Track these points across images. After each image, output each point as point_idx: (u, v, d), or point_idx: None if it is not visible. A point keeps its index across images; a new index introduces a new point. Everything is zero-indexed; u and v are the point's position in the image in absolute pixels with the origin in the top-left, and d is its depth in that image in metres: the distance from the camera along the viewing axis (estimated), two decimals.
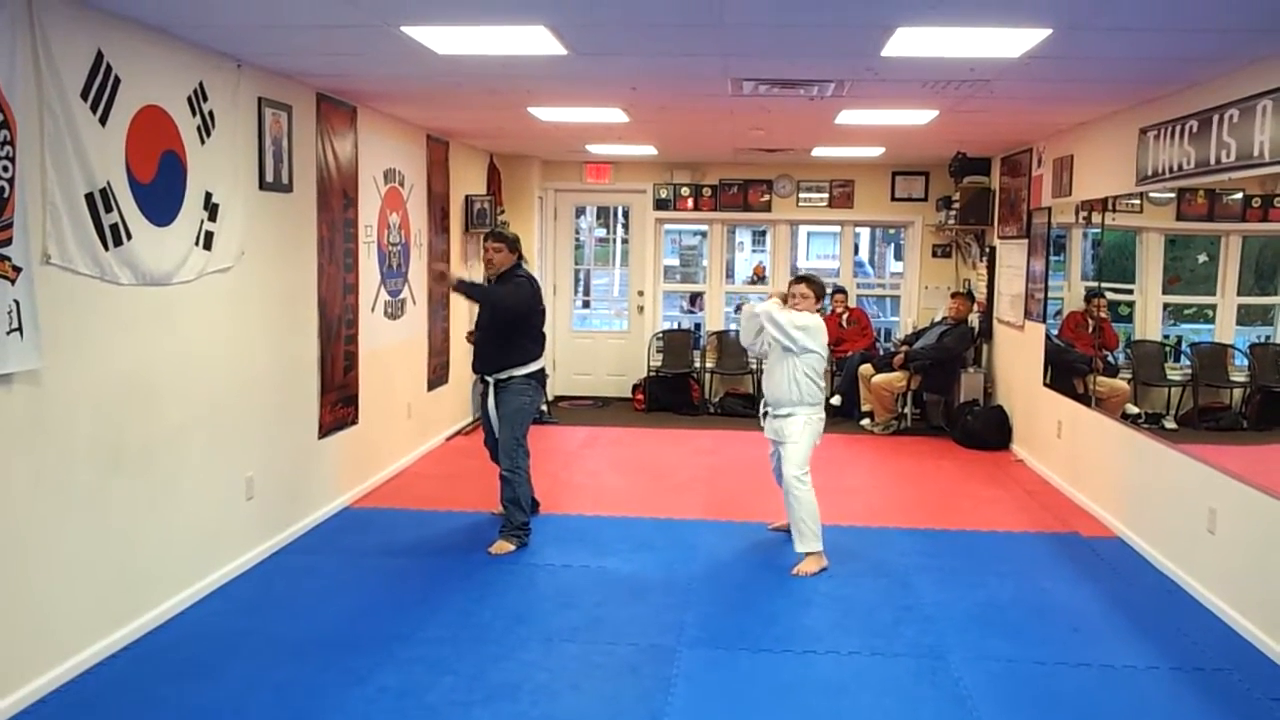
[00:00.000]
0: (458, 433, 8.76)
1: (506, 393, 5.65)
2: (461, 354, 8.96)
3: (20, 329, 3.51)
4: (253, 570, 5.18)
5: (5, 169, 3.43)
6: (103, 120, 3.98)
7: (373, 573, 5.20)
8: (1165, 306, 6.34)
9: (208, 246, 4.76)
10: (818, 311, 5.56)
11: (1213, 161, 4.90)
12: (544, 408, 5.64)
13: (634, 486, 7.20)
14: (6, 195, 3.44)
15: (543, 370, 5.88)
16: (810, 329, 5.39)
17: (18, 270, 3.50)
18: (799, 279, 5.61)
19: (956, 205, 9.55)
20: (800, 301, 5.46)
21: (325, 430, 6.10)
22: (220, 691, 3.83)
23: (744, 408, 9.80)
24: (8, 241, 3.45)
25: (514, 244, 5.80)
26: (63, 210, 3.76)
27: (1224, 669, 4.23)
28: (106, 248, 4.02)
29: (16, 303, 3.49)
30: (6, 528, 3.57)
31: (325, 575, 5.19)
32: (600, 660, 4.23)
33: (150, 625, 4.37)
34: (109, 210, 4.02)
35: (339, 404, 6.29)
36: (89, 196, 3.90)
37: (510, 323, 5.67)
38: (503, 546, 5.54)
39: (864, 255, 14.84)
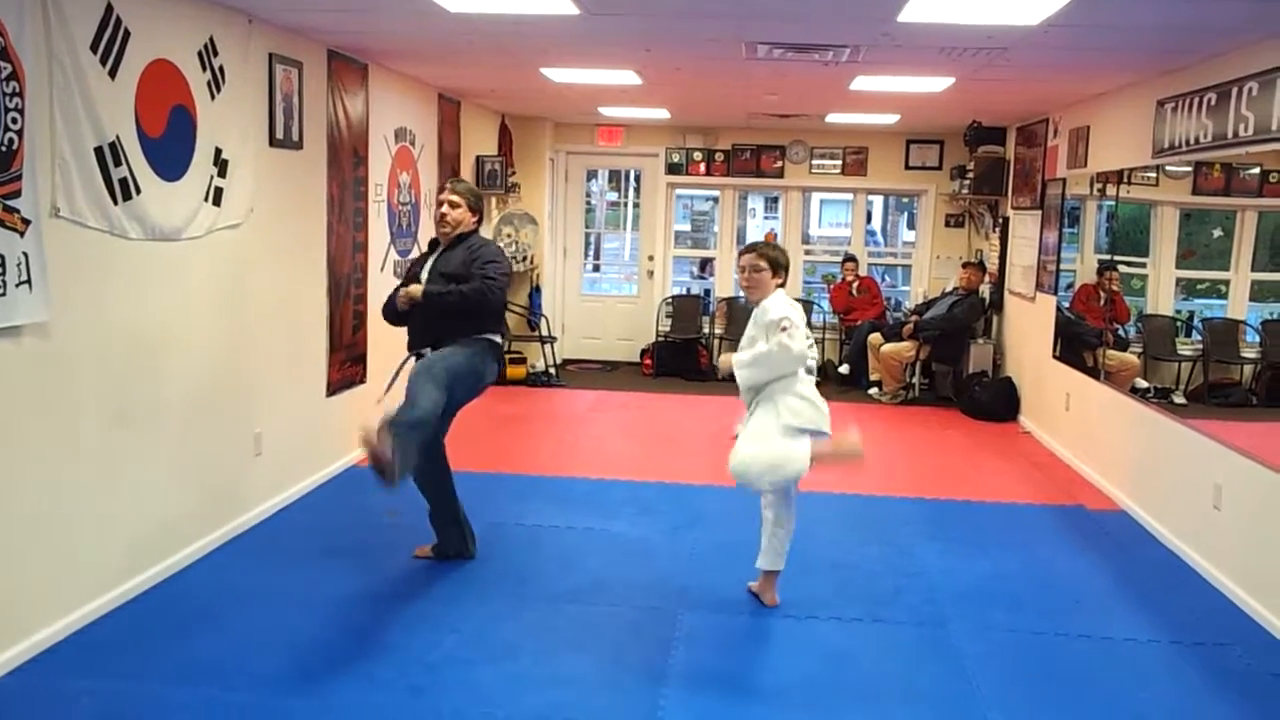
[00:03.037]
0: None
1: (449, 345, 4.56)
2: None
3: (29, 281, 3.52)
4: (260, 526, 5.21)
5: (14, 121, 3.42)
6: (112, 73, 3.96)
7: (378, 530, 5.23)
8: (1178, 281, 6.30)
9: (217, 203, 4.75)
10: (780, 285, 4.30)
11: (1230, 135, 4.85)
12: (481, 373, 4.67)
13: (640, 451, 7.22)
14: (15, 147, 3.43)
15: (495, 345, 4.73)
16: (794, 322, 4.17)
17: (27, 223, 3.50)
18: (747, 248, 4.36)
19: (970, 175, 9.49)
20: (752, 276, 4.26)
21: (333, 388, 6.12)
22: (225, 643, 3.87)
23: None
24: (16, 194, 3.44)
25: (478, 201, 4.74)
26: (71, 163, 3.75)
27: (1225, 643, 4.23)
28: (115, 202, 4.01)
29: (26, 255, 3.49)
30: (15, 480, 3.59)
31: (331, 532, 5.22)
32: (603, 621, 4.26)
33: (158, 578, 4.40)
34: (118, 164, 4.01)
35: (347, 362, 6.30)
36: (98, 150, 3.89)
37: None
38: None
39: (876, 224, 14.75)
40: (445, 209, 4.63)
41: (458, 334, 4.48)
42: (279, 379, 5.48)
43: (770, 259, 4.26)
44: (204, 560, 4.71)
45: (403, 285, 4.67)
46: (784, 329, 4.12)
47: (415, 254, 7.47)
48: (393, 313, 4.66)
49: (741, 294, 10.79)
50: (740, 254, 4.40)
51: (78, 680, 3.55)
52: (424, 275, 4.61)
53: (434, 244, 4.77)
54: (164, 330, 4.41)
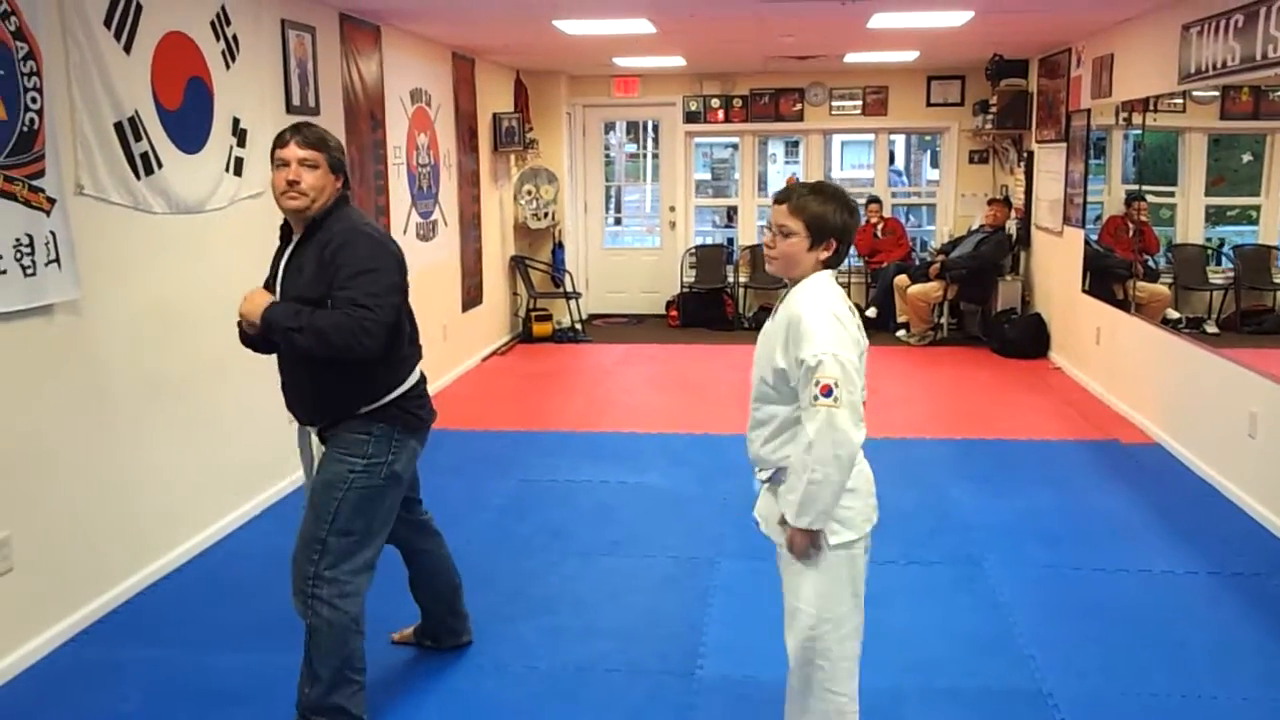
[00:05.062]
0: (493, 353, 8.82)
1: (330, 447, 2.98)
2: (496, 272, 8.99)
3: (58, 260, 3.55)
4: (298, 492, 5.27)
5: (34, 100, 3.43)
6: (127, 48, 3.96)
7: None
8: (1207, 208, 6.20)
9: (238, 173, 4.77)
10: (823, 263, 2.54)
11: (1259, 57, 4.75)
12: (397, 469, 2.95)
13: (670, 402, 7.23)
14: (36, 127, 3.45)
15: (406, 399, 3.01)
16: (844, 368, 2.42)
17: (52, 201, 3.52)
18: (780, 193, 2.61)
19: (993, 109, 9.35)
20: (779, 243, 2.55)
21: None
22: (270, 608, 3.92)
23: None
24: (40, 173, 3.46)
25: (339, 156, 2.98)
26: (93, 140, 3.77)
27: (1262, 573, 4.22)
28: (138, 176, 4.03)
29: (53, 234, 3.52)
30: (51, 458, 3.65)
31: None
32: (639, 573, 4.30)
33: (197, 549, 4.48)
34: (139, 139, 4.02)
35: None
36: (118, 126, 3.90)
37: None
38: None
39: (899, 163, 14.59)
40: (294, 170, 2.87)
41: (333, 404, 2.94)
42: None
43: (810, 217, 2.50)
44: (245, 528, 4.78)
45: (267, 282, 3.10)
46: (826, 387, 2.40)
47: (436, 214, 7.46)
48: (244, 337, 3.06)
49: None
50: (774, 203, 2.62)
51: (127, 650, 3.63)
52: (278, 281, 3.02)
53: (285, 230, 3.05)
54: (193, 303, 4.44)
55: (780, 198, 2.58)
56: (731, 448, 6.00)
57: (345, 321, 2.77)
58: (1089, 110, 7.36)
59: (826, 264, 2.56)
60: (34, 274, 3.44)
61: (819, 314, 2.47)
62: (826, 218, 2.51)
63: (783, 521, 2.59)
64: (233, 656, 3.59)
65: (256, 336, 2.97)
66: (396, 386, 2.97)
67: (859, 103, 10.27)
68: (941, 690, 3.34)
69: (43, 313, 3.54)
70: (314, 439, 3.03)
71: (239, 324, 3.00)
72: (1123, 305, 6.78)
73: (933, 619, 3.84)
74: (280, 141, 2.92)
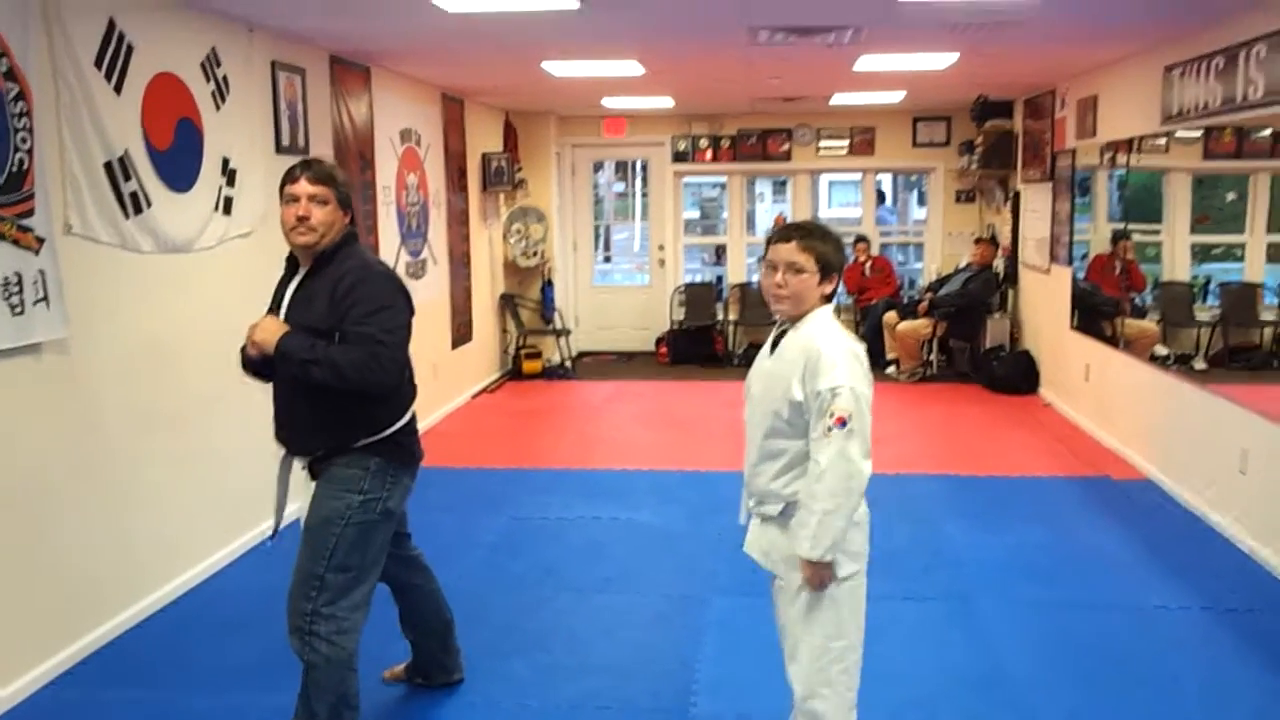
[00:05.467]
0: (483, 390, 8.81)
1: (324, 484, 3.02)
2: (486, 310, 8.99)
3: (46, 299, 3.54)
4: (287, 529, 5.22)
5: (24, 140, 3.44)
6: (117, 89, 3.98)
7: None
8: (1193, 246, 6.25)
9: (227, 212, 4.77)
10: (826, 297, 2.63)
11: (1240, 98, 4.81)
12: (390, 505, 3.00)
13: (660, 440, 7.22)
14: (26, 167, 3.45)
15: (402, 434, 3.05)
16: (847, 371, 2.52)
17: (41, 241, 3.52)
18: (782, 232, 2.64)
19: (979, 149, 9.44)
20: (790, 281, 2.58)
21: None
22: (260, 646, 3.89)
23: None
24: (29, 213, 3.46)
25: (347, 192, 3.03)
26: (82, 180, 3.77)
27: (1255, 609, 4.22)
28: (127, 216, 4.03)
29: (42, 273, 3.52)
30: (41, 496, 3.62)
31: None
32: (632, 610, 4.27)
33: (187, 586, 4.44)
34: (128, 179, 4.03)
35: None
36: (107, 165, 3.91)
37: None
38: None
39: (886, 203, 14.70)
40: (304, 206, 2.90)
41: (331, 435, 2.96)
42: None
43: (819, 254, 2.58)
44: (233, 566, 4.74)
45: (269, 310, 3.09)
46: (841, 419, 2.48)
47: (425, 252, 7.48)
48: (248, 363, 3.08)
49: (755, 280, 10.71)
50: (770, 241, 2.66)
51: (112, 690, 3.59)
52: (282, 311, 3.04)
53: (291, 262, 3.09)
54: (182, 342, 4.43)
55: (783, 237, 2.62)
56: (722, 484, 5.98)
57: (362, 357, 2.84)
58: (1074, 150, 7.44)
59: (828, 298, 2.64)
60: (22, 313, 3.43)
61: (839, 348, 2.56)
62: (829, 254, 2.62)
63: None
64: (219, 698, 3.54)
65: (260, 362, 2.99)
66: (394, 421, 3.00)
67: (846, 143, 10.36)
68: None
69: (30, 351, 3.53)
70: (295, 471, 3.07)
71: (243, 349, 3.03)
72: (1112, 342, 6.81)
73: (927, 656, 3.82)
74: (290, 177, 2.95)
